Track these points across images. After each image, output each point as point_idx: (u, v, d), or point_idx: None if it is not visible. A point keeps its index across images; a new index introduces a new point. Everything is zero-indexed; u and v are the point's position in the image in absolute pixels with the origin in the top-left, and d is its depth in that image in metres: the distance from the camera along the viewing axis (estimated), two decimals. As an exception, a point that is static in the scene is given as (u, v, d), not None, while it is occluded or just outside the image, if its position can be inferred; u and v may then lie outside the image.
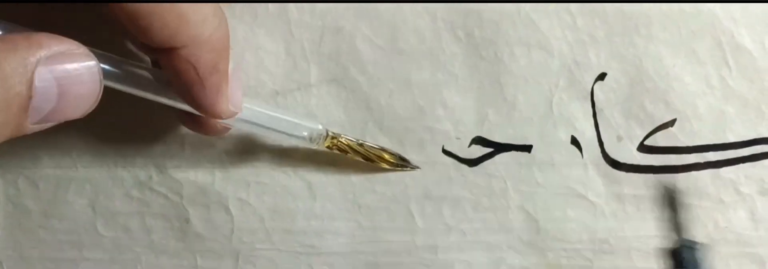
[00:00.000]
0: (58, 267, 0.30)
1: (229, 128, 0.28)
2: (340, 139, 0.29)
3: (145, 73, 0.25)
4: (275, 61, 0.30)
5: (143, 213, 0.31)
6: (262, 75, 0.30)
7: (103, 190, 0.30)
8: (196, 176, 0.30)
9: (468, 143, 0.30)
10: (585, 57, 0.30)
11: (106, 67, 0.24)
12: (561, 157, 0.30)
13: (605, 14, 0.29)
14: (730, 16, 0.30)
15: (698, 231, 0.30)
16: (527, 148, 0.30)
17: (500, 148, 0.30)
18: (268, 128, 0.28)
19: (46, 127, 0.21)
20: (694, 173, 0.30)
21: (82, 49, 0.21)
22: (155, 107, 0.30)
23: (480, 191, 0.30)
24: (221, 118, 0.26)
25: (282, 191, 0.30)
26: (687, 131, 0.30)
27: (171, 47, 0.23)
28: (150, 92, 0.25)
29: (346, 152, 0.29)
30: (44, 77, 0.20)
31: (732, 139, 0.30)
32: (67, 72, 0.20)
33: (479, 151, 0.30)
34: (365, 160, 0.29)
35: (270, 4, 0.29)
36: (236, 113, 0.26)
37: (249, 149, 0.30)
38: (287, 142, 0.29)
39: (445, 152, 0.30)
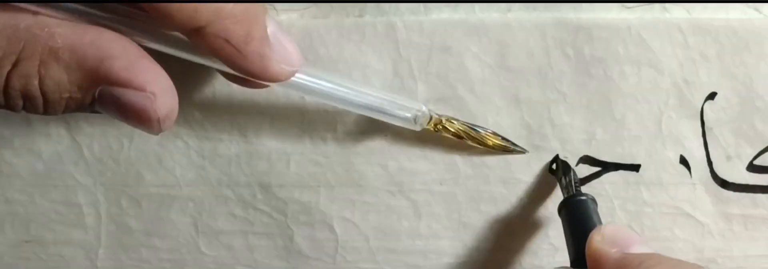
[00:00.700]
0: (162, 287, 0.30)
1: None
2: (444, 121, 0.28)
3: None
4: (383, 81, 0.29)
5: (247, 232, 0.30)
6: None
7: (207, 209, 0.30)
8: (300, 195, 0.30)
9: (576, 162, 0.30)
10: (695, 76, 0.29)
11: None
12: (669, 176, 0.30)
13: (716, 33, 0.29)
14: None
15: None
16: (635, 167, 0.30)
17: (608, 167, 0.30)
18: (373, 108, 0.27)
19: None
20: (802, 192, 0.30)
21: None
22: (261, 127, 0.30)
23: (587, 211, 0.30)
24: (280, 79, 0.25)
25: (387, 210, 0.30)
26: (795, 150, 0.30)
27: (197, 27, 0.22)
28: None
29: (457, 135, 0.29)
30: None
31: (841, 158, 0.30)
32: None
33: (587, 170, 0.30)
34: (472, 142, 0.29)
35: (378, 23, 0.29)
36: (294, 71, 0.25)
37: (354, 168, 0.30)
38: (393, 124, 0.28)
39: (551, 171, 0.30)
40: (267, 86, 0.27)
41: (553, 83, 0.29)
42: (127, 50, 0.23)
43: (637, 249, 0.24)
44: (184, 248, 0.31)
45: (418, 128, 0.28)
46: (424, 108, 0.28)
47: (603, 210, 0.30)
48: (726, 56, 0.29)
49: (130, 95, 0.22)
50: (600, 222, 0.26)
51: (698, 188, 0.30)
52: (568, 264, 0.27)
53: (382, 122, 0.28)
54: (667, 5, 0.29)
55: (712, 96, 0.30)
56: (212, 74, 0.29)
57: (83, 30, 0.22)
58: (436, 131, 0.29)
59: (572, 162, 0.30)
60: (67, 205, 0.30)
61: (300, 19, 0.29)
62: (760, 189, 0.30)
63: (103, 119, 0.29)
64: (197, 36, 0.23)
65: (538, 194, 0.30)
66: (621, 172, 0.30)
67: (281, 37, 0.24)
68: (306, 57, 0.29)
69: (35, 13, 0.22)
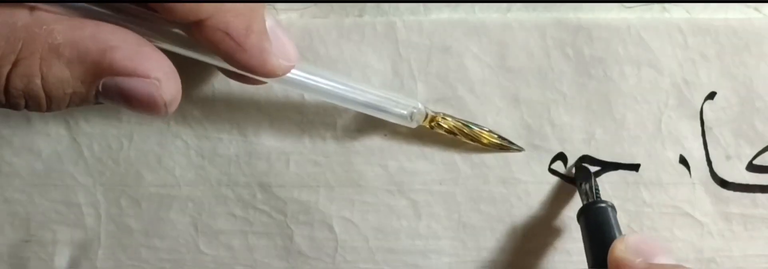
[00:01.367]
0: (162, 287, 0.30)
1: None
2: (439, 118, 0.29)
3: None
4: (383, 81, 0.29)
5: (246, 232, 0.30)
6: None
7: (206, 209, 0.30)
8: (300, 195, 0.30)
9: (575, 162, 0.30)
10: (695, 76, 0.29)
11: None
12: (669, 176, 0.30)
13: (716, 33, 0.29)
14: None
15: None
16: (635, 167, 0.30)
17: (607, 167, 0.30)
18: (369, 106, 0.27)
19: None
20: (802, 192, 0.30)
21: None
22: (260, 127, 0.30)
23: (586, 211, 0.30)
24: (277, 74, 0.25)
25: (386, 210, 0.30)
26: (795, 150, 0.30)
27: (199, 20, 0.23)
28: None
29: (451, 131, 0.29)
30: None
31: (840, 158, 0.30)
32: None
33: (586, 170, 0.30)
34: (465, 139, 0.29)
35: (377, 23, 0.29)
36: (291, 67, 0.25)
37: (354, 167, 0.30)
38: (390, 122, 0.28)
39: (551, 171, 0.30)
40: (263, 83, 0.27)
41: (553, 83, 0.29)
42: (127, 40, 0.23)
43: (661, 259, 0.24)
44: (184, 248, 0.30)
45: (413, 125, 0.28)
46: (419, 105, 0.28)
47: (602, 210, 0.30)
48: (726, 56, 0.29)
49: (135, 84, 0.22)
50: (619, 230, 0.26)
51: (698, 188, 0.30)
52: (575, 265, 0.27)
53: (380, 121, 0.28)
54: (667, 5, 0.29)
55: (711, 96, 0.30)
56: (211, 73, 0.29)
57: (82, 24, 0.22)
58: (432, 128, 0.29)
59: (572, 162, 0.30)
60: (67, 205, 0.30)
61: (300, 18, 0.29)
62: (760, 189, 0.30)
63: (103, 119, 0.29)
64: (198, 29, 0.23)
65: (538, 194, 0.30)
66: (620, 172, 0.30)
67: (279, 33, 0.25)
68: (306, 57, 0.29)
69: (32, 9, 0.22)
